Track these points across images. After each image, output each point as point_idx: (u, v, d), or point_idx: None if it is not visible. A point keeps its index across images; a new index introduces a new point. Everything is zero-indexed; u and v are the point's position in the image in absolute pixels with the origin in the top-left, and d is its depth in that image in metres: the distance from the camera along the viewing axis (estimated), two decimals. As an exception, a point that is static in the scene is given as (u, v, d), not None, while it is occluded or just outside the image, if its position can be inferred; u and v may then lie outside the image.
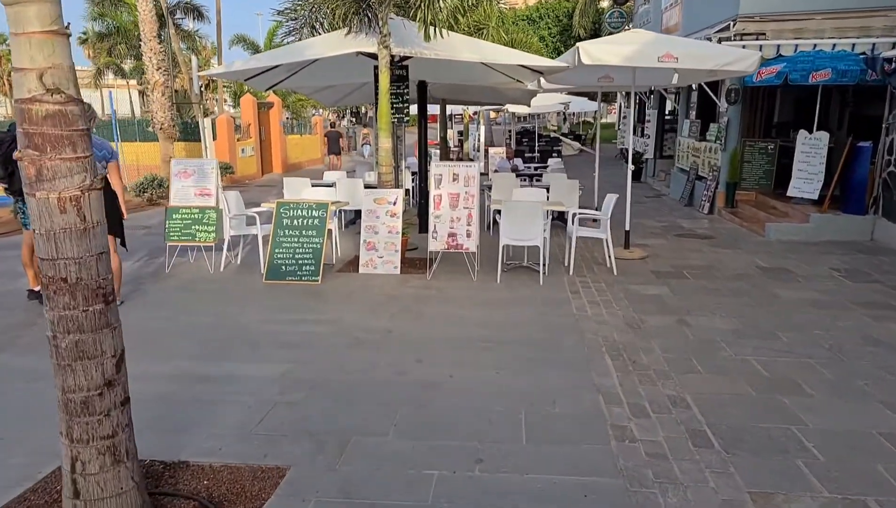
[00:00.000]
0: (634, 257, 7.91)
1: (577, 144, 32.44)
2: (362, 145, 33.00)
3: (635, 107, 19.80)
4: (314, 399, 3.88)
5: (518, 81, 9.90)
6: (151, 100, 16.45)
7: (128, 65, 43.89)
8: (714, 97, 12.00)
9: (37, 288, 5.96)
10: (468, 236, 7.04)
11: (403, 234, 7.43)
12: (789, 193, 10.26)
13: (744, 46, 9.87)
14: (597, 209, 10.45)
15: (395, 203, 7.36)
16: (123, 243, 5.91)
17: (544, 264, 6.78)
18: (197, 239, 7.45)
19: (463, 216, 7.05)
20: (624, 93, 31.56)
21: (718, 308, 5.79)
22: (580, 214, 7.18)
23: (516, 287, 6.56)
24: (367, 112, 61.07)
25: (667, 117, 18.69)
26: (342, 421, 3.61)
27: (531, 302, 6.00)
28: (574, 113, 45.44)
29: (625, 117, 22.88)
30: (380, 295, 6.28)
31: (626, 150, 18.81)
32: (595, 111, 46.08)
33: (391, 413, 3.69)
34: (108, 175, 5.77)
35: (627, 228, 8.16)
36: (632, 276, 7.04)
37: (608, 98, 42.09)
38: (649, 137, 18.55)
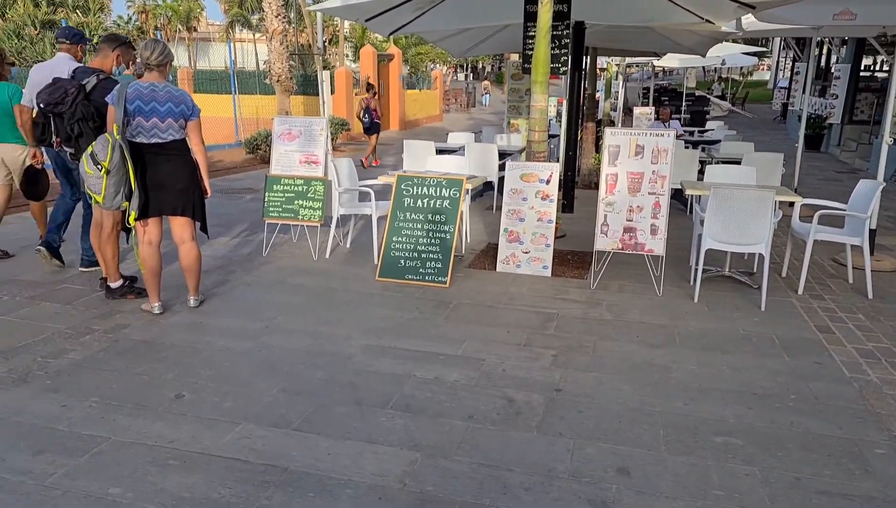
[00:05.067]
0: (885, 268, 5.59)
1: (726, 105, 28.74)
2: (483, 95, 32.02)
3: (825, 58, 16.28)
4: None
5: (707, 20, 7.57)
6: (269, 49, 15.48)
7: (256, 18, 44.56)
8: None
9: (114, 283, 4.74)
10: (653, 233, 5.07)
11: (556, 220, 5.62)
12: None
13: None
14: (795, 190, 8.04)
15: (548, 181, 5.53)
16: (204, 229, 4.53)
17: (751, 275, 4.71)
18: (300, 217, 6.04)
19: (647, 205, 5.08)
20: (785, 44, 26.95)
21: None
22: (826, 208, 4.98)
23: (726, 312, 4.57)
24: (484, 67, 58.88)
25: (861, 74, 15.25)
26: None
27: (762, 344, 4.01)
28: (715, 69, 40.57)
29: (797, 73, 19.18)
30: (531, 313, 4.54)
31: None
32: (742, 67, 41.10)
33: None
34: (187, 138, 4.39)
35: (873, 225, 5.80)
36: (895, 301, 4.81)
37: (764, 51, 36.85)
38: (836, 96, 15.23)
